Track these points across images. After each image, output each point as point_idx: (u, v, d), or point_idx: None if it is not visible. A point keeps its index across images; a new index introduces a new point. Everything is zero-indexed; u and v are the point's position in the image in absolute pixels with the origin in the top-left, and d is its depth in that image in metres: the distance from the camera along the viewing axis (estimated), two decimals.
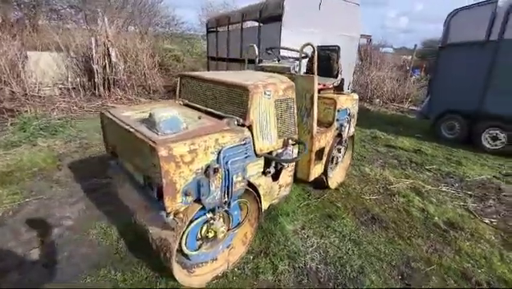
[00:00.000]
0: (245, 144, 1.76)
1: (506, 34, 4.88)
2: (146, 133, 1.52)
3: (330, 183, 3.14)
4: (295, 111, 2.15)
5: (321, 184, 3.10)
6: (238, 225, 2.00)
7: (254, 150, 1.85)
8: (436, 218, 2.76)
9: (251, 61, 3.10)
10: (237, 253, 2.10)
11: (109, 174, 2.45)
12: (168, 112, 1.57)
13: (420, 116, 6.58)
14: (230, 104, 1.91)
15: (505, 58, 4.93)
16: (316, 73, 2.44)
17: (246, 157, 1.79)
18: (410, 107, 9.34)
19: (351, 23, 5.75)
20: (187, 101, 2.29)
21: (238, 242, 2.12)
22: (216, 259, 1.97)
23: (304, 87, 2.43)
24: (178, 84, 2.43)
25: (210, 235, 1.78)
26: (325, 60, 3.29)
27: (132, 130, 1.59)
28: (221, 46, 7.23)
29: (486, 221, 2.78)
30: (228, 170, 1.65)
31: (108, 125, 1.95)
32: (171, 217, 1.54)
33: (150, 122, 1.59)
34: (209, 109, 2.05)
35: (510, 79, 4.88)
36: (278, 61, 2.79)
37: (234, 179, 1.70)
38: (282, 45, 4.83)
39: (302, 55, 2.49)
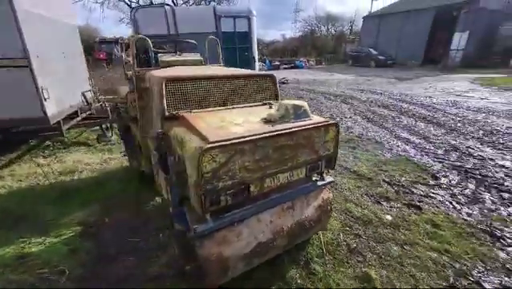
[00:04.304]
0: None
1: (179, 29, 7.21)
2: (309, 122, 1.69)
3: None
4: None
5: None
6: None
7: None
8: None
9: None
10: None
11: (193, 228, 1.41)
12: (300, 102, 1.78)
13: None
14: (259, 93, 2.15)
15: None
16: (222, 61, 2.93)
17: None
18: None
19: (66, 7, 4.70)
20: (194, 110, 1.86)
21: None
22: None
23: None
24: (164, 93, 1.72)
25: None
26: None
27: (295, 129, 1.59)
28: None
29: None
30: None
31: (237, 155, 1.34)
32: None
33: (299, 114, 1.68)
34: (239, 105, 2.03)
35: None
36: (178, 54, 2.62)
37: None
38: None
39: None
